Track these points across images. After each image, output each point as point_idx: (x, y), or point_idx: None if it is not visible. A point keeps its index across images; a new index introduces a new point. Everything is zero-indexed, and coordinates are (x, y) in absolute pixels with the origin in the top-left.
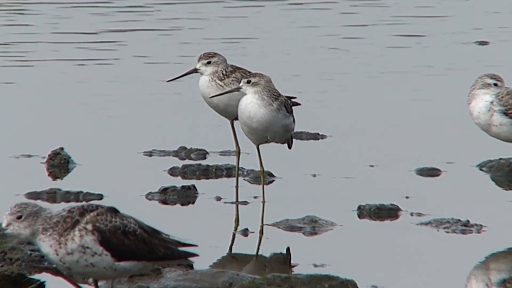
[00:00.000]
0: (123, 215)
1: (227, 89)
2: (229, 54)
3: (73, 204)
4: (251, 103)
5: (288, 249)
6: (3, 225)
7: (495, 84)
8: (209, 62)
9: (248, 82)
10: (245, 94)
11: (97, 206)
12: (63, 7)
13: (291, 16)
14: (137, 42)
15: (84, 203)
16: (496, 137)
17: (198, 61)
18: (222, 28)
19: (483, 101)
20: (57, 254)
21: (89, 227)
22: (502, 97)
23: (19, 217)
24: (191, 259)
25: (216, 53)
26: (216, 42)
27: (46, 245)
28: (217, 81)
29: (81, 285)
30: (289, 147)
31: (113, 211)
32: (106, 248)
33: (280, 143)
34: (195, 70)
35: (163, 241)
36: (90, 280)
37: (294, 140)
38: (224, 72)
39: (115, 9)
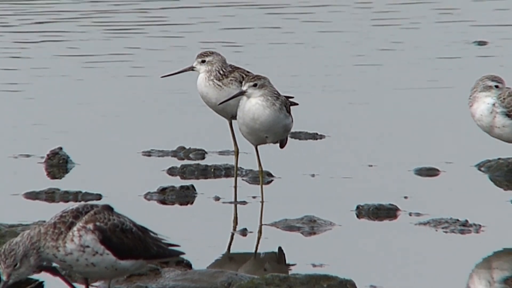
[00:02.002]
0: (118, 213)
1: (225, 88)
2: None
3: (64, 208)
4: (256, 105)
5: (285, 249)
6: (4, 278)
7: (496, 86)
8: (203, 61)
9: (255, 85)
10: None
11: (92, 206)
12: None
13: (290, 15)
14: (135, 42)
15: (76, 206)
16: (498, 138)
17: (195, 59)
18: (220, 29)
19: (485, 103)
20: (56, 257)
21: (90, 226)
22: (504, 98)
23: (15, 265)
24: (181, 257)
25: (212, 52)
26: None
27: (44, 254)
28: (215, 80)
29: (75, 285)
30: (282, 146)
31: (109, 209)
32: (107, 246)
33: (273, 143)
34: (191, 68)
35: (154, 239)
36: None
37: (292, 140)
38: (221, 72)
39: (113, 8)
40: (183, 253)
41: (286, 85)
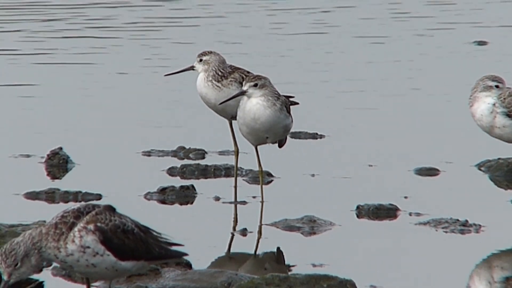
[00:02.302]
0: (120, 214)
1: (224, 89)
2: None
3: (65, 208)
4: (257, 105)
5: (285, 249)
6: (5, 278)
7: (497, 86)
8: (201, 60)
9: (255, 85)
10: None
11: (94, 206)
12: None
13: (290, 17)
14: (135, 42)
15: (77, 206)
16: (499, 138)
17: (196, 58)
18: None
19: (485, 103)
20: (57, 257)
21: (91, 227)
22: (504, 98)
23: (16, 265)
24: (183, 258)
25: (210, 52)
26: (218, 43)
27: (46, 254)
28: (214, 82)
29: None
30: (280, 146)
31: (111, 209)
32: (108, 247)
33: (272, 143)
34: (191, 68)
35: (156, 240)
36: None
37: (292, 139)
38: (220, 73)
39: (114, 7)
40: (186, 254)
41: (286, 84)
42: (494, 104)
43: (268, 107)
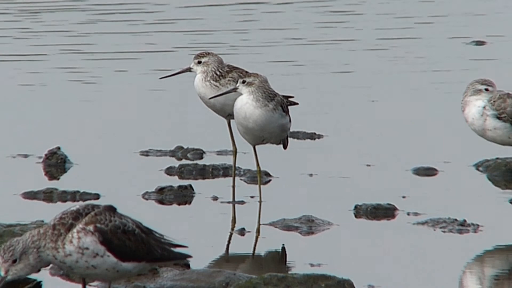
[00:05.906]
0: (121, 214)
1: (223, 89)
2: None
3: (63, 207)
4: (247, 104)
5: (283, 248)
6: (2, 274)
7: (486, 89)
8: (199, 62)
9: (243, 82)
10: (241, 94)
11: (93, 207)
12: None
13: (290, 17)
14: (134, 42)
15: (76, 207)
16: (492, 141)
17: (192, 60)
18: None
19: (475, 107)
20: (56, 258)
21: (90, 228)
22: (494, 101)
23: (14, 261)
24: (185, 260)
25: (209, 53)
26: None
27: (44, 255)
28: (212, 81)
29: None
30: (285, 147)
31: (111, 210)
32: (108, 248)
33: (276, 144)
34: (188, 69)
35: (158, 241)
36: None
37: (290, 139)
38: (217, 73)
39: (113, 9)
40: (189, 256)
41: (286, 84)
42: (484, 107)
43: (258, 107)
